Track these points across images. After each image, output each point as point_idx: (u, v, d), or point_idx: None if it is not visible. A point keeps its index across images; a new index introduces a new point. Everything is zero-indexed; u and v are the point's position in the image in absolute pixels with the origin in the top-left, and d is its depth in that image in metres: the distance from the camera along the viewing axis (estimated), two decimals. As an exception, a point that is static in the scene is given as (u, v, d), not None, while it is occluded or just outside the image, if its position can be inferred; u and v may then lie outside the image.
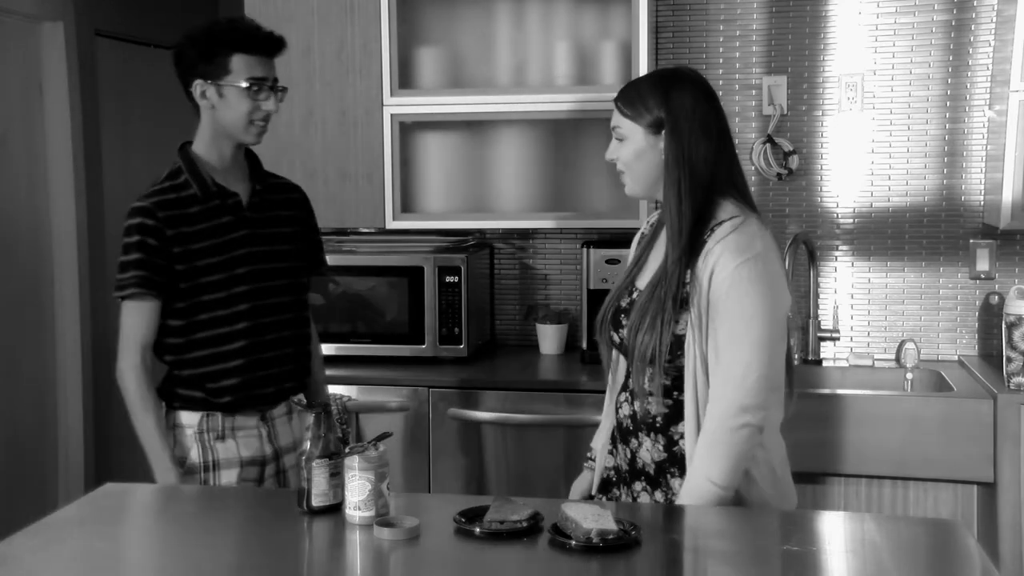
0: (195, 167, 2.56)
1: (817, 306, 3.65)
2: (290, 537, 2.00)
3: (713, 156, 2.17)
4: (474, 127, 3.69)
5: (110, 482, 2.33)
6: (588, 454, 2.48)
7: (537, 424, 3.27)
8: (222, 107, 2.52)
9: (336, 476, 2.03)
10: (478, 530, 1.90)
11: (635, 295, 2.24)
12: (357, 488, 1.96)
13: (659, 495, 2.21)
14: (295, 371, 2.67)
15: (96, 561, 1.89)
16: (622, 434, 2.27)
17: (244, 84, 2.49)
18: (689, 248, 2.14)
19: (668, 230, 2.17)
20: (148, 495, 2.30)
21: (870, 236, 3.65)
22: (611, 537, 1.83)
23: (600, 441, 2.43)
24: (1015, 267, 3.57)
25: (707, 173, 2.16)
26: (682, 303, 2.13)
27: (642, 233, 2.38)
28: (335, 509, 2.03)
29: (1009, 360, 3.09)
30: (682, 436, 2.17)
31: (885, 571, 1.82)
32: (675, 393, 2.16)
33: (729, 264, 2.08)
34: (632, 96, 2.21)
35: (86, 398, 5.07)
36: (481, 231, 3.88)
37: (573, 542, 1.83)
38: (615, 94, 2.27)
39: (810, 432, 3.13)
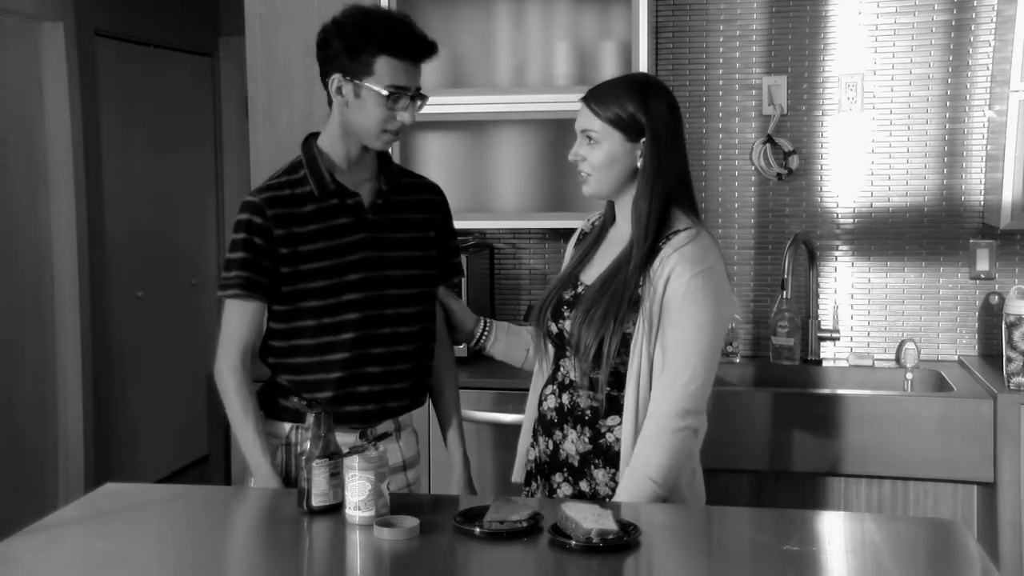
0: (315, 162, 2.35)
1: (817, 306, 3.65)
2: (290, 537, 2.00)
3: (679, 166, 2.23)
4: (474, 127, 3.69)
5: (110, 482, 2.33)
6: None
7: (537, 424, 3.27)
8: (356, 108, 2.30)
9: (336, 476, 2.03)
10: (478, 530, 1.90)
11: (580, 289, 2.27)
12: (357, 488, 1.96)
13: (584, 485, 2.24)
14: (407, 390, 2.43)
15: (96, 561, 1.89)
16: (545, 427, 2.31)
17: (384, 91, 2.26)
18: (648, 255, 2.19)
19: (636, 234, 2.21)
20: (148, 495, 2.30)
21: (870, 236, 3.65)
22: (611, 537, 1.83)
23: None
24: (1015, 267, 3.57)
25: (673, 183, 2.22)
26: (632, 304, 2.17)
27: (582, 230, 2.42)
28: (335, 509, 2.03)
29: (1009, 360, 3.09)
30: (610, 429, 2.21)
31: (885, 571, 1.82)
32: (607, 388, 2.20)
33: (685, 273, 2.14)
34: (609, 100, 2.21)
35: (86, 398, 5.08)
36: (481, 231, 3.88)
37: (573, 542, 1.83)
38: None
39: (810, 432, 3.13)
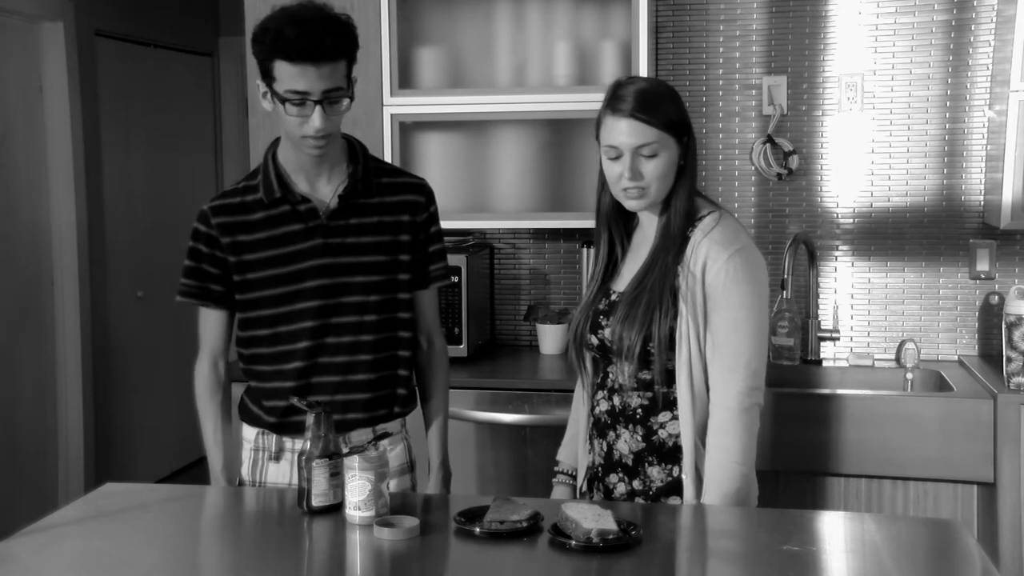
0: (267, 168, 2.31)
1: (817, 306, 3.65)
2: (290, 537, 2.00)
3: None
4: (474, 127, 3.69)
5: (110, 482, 2.33)
6: (556, 467, 2.47)
7: (537, 424, 3.27)
8: (278, 114, 2.23)
9: (336, 476, 2.03)
10: (478, 530, 1.90)
11: (614, 297, 2.26)
12: (357, 488, 1.96)
13: (637, 484, 2.23)
14: (374, 400, 2.36)
15: (96, 561, 1.89)
16: (599, 429, 2.30)
17: (284, 97, 2.18)
18: (679, 247, 2.19)
19: (670, 231, 2.20)
20: (148, 495, 2.30)
21: (870, 236, 3.65)
22: (611, 537, 1.83)
23: (567, 453, 2.45)
24: (1015, 267, 3.57)
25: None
26: (672, 296, 2.16)
27: (604, 247, 2.34)
28: (335, 509, 2.03)
29: (1009, 360, 3.09)
30: (662, 426, 2.20)
31: (885, 571, 1.82)
32: (656, 386, 2.19)
33: (720, 256, 2.14)
34: (657, 110, 2.16)
35: (86, 398, 5.08)
36: (481, 231, 3.88)
37: (573, 542, 1.83)
38: None
39: (810, 432, 3.13)
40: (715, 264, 2.13)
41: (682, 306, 2.14)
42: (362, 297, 2.33)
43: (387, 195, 2.37)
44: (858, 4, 3.60)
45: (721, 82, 3.70)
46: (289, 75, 2.15)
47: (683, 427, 2.17)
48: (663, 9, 3.69)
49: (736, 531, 2.05)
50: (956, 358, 3.59)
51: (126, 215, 5.48)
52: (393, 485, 2.39)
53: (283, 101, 2.17)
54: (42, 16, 4.83)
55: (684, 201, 2.20)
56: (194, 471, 5.87)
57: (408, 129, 3.63)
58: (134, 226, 5.55)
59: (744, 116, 3.69)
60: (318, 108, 2.17)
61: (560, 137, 3.63)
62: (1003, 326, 3.14)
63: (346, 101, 2.22)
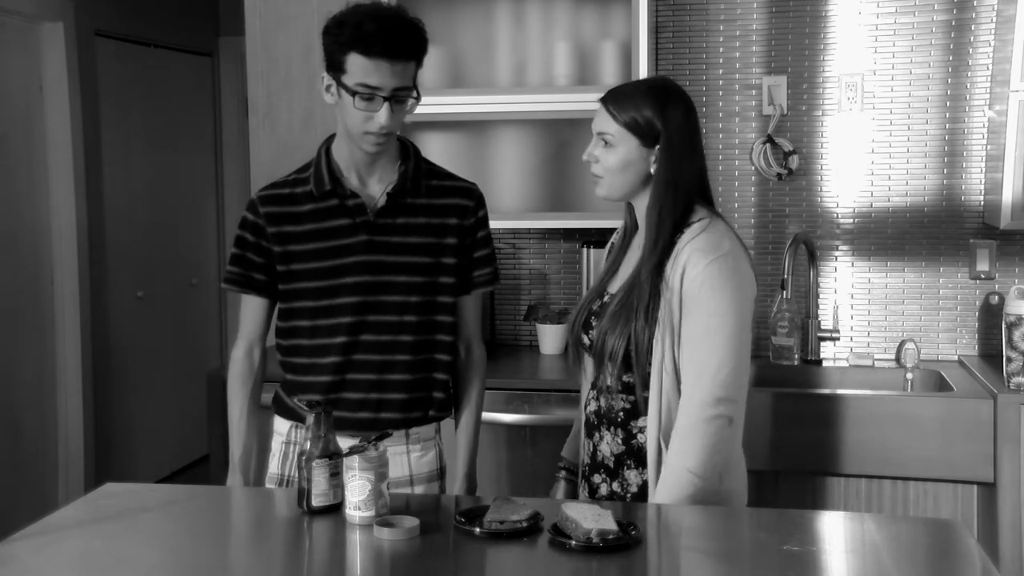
0: (320, 161, 2.32)
1: (817, 306, 3.65)
2: (290, 537, 2.00)
3: (694, 170, 2.23)
4: (474, 127, 3.69)
5: (110, 482, 2.33)
6: (559, 463, 2.50)
7: (537, 424, 3.27)
8: (341, 107, 2.24)
9: (336, 476, 2.03)
10: (478, 530, 1.90)
11: (606, 299, 2.28)
12: (357, 488, 1.96)
13: (616, 486, 2.25)
14: (407, 401, 2.36)
15: (96, 561, 1.89)
16: (588, 430, 2.32)
17: (353, 89, 2.19)
18: (662, 256, 2.18)
19: (647, 240, 2.21)
20: (148, 495, 2.30)
21: (870, 236, 3.65)
22: (611, 537, 1.83)
23: (569, 449, 2.49)
24: (1015, 267, 3.57)
25: (689, 187, 2.21)
26: (654, 305, 2.16)
27: (612, 242, 2.41)
28: (335, 509, 2.03)
29: (1009, 360, 3.09)
30: (641, 430, 2.21)
31: (885, 571, 1.82)
32: (638, 390, 2.20)
33: (700, 263, 2.13)
34: (627, 104, 2.20)
35: (86, 398, 5.08)
36: (481, 231, 3.87)
37: (573, 542, 1.83)
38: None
39: (810, 432, 3.13)
40: (693, 270, 2.13)
41: (661, 312, 2.15)
42: (402, 297, 2.33)
43: (436, 197, 2.37)
44: (858, 4, 3.60)
45: (721, 82, 3.70)
46: (362, 69, 2.17)
47: (649, 433, 2.17)
48: (663, 9, 3.69)
49: (736, 531, 2.05)
50: (956, 358, 3.59)
51: (126, 215, 5.48)
52: (422, 491, 2.40)
53: (352, 94, 2.19)
54: (42, 16, 4.83)
55: (655, 214, 2.19)
56: (194, 471, 5.87)
57: (408, 129, 3.63)
58: (134, 226, 5.55)
59: (744, 116, 3.69)
60: (386, 105, 2.20)
61: (560, 137, 3.64)
62: (1003, 326, 3.14)
63: (411, 101, 2.26)
